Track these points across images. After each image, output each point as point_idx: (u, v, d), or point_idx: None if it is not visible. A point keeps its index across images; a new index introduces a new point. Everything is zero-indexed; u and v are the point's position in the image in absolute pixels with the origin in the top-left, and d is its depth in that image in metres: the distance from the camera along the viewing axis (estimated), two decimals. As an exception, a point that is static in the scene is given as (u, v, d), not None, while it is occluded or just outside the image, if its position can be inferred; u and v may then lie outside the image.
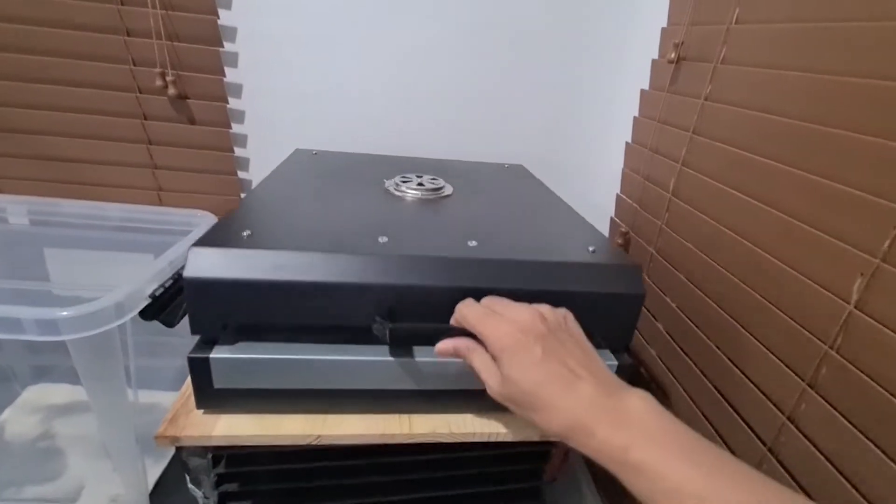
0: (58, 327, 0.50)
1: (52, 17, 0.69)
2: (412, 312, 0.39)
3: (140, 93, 0.74)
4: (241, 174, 0.84)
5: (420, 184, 0.59)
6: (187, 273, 0.36)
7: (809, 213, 0.43)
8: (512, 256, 0.42)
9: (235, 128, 0.80)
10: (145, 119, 0.76)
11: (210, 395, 0.40)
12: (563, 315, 0.38)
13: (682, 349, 0.60)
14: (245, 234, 0.41)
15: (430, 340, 0.38)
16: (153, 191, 0.82)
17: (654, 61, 0.71)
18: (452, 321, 0.39)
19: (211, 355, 0.39)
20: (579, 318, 0.39)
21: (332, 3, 0.74)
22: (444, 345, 0.38)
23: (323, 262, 0.39)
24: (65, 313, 0.50)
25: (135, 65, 0.72)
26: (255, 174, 0.85)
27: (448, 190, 0.61)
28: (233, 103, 0.78)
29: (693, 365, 0.57)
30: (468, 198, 0.60)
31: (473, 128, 0.85)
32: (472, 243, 0.44)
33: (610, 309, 0.42)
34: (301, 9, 0.74)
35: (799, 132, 0.45)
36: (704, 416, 0.55)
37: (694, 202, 0.60)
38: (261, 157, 0.84)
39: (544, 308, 0.37)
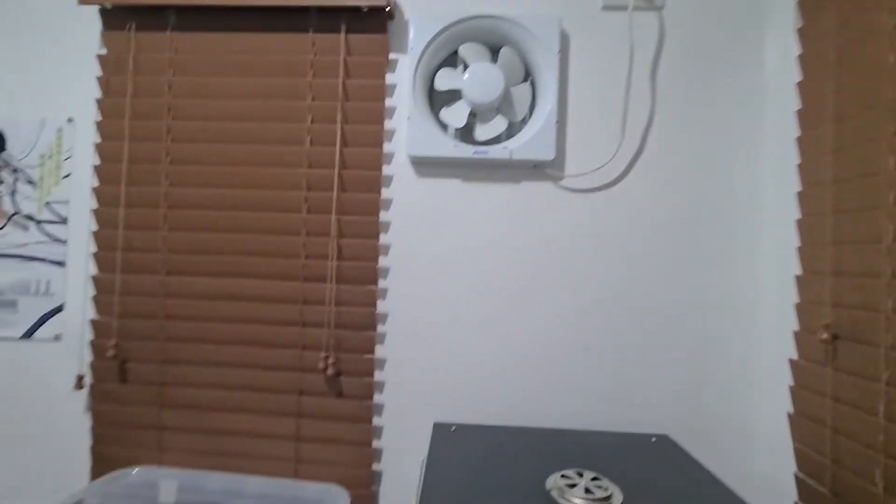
0: None
1: (239, 335, 0.85)
2: None
3: (303, 372, 0.84)
4: (374, 443, 0.85)
5: (587, 490, 0.55)
6: None
7: None
8: None
9: (375, 398, 0.85)
10: (300, 394, 0.84)
11: None
12: None
13: None
14: None
15: None
16: (291, 462, 0.84)
17: (796, 333, 0.70)
18: None
19: None
20: None
21: (468, 286, 0.85)
22: None
23: None
24: None
25: (304, 349, 0.84)
26: (388, 443, 0.86)
27: (617, 498, 0.56)
28: (375, 375, 0.85)
29: None
30: None
31: (609, 396, 0.83)
32: None
33: None
34: (439, 296, 0.86)
35: None
36: None
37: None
38: (395, 425, 0.86)
39: None
